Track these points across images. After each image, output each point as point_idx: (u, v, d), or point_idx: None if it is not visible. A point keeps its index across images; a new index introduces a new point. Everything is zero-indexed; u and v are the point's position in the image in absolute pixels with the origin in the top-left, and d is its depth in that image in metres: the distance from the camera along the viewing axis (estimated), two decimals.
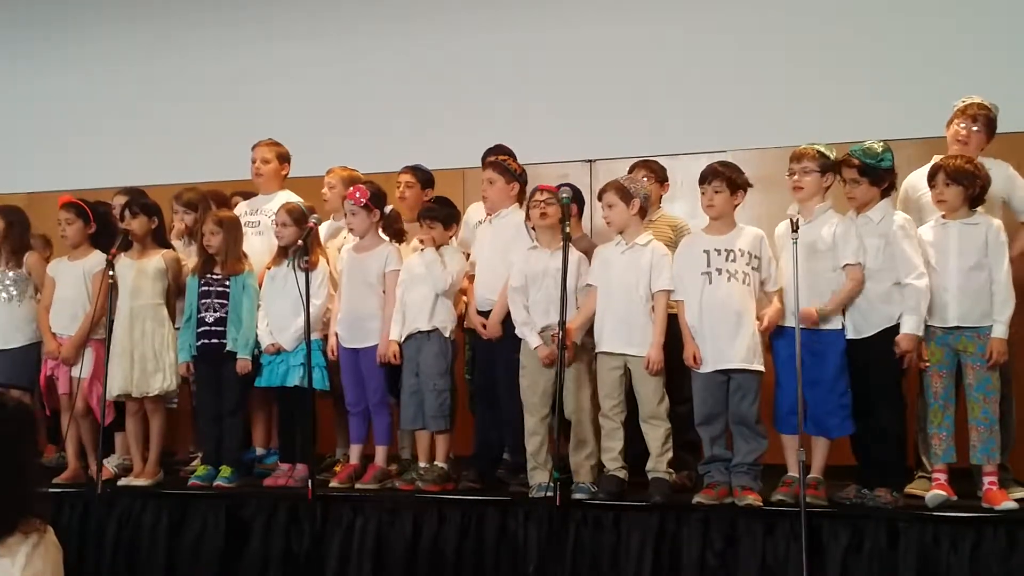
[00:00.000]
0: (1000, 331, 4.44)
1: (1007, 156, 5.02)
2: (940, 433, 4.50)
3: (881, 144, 4.68)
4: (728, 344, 4.61)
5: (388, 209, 5.42)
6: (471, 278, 5.31)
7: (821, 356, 4.55)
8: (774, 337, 4.72)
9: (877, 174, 4.63)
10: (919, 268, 4.51)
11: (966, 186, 4.52)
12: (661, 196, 5.51)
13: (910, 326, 4.49)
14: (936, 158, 4.94)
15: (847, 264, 4.61)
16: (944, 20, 6.28)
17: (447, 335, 5.18)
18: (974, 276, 4.49)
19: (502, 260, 5.13)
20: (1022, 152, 5.29)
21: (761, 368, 4.60)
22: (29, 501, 2.75)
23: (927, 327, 4.52)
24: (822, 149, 4.71)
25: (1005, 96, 5.16)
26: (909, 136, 5.10)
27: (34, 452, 2.97)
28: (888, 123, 5.09)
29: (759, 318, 4.63)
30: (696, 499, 4.59)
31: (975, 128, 4.89)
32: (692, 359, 4.66)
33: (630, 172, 5.33)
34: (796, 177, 4.69)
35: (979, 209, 4.59)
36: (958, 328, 4.49)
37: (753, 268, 4.64)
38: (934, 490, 4.41)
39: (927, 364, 4.55)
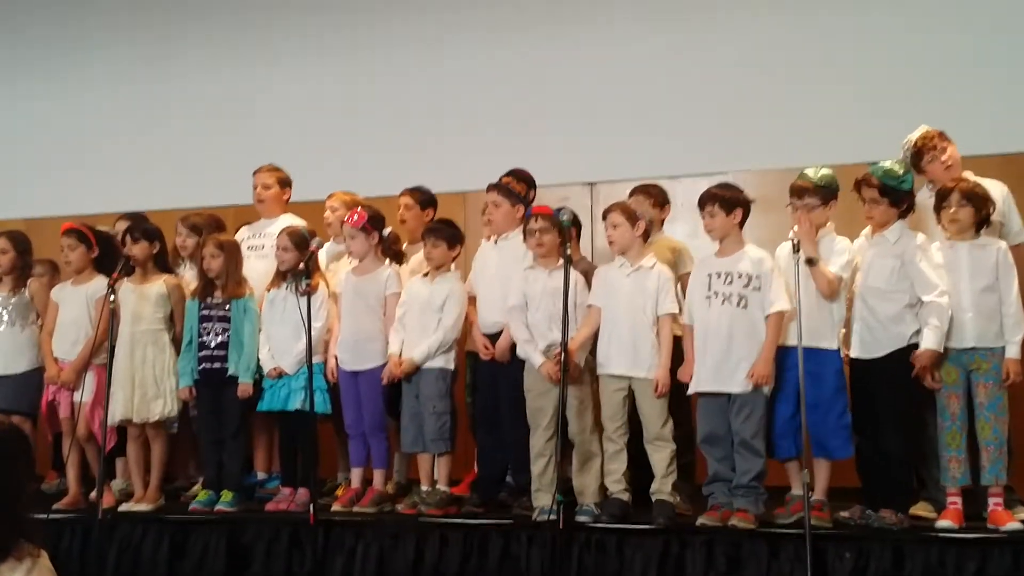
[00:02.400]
0: (1015, 352, 4.45)
1: (1003, 177, 5.02)
2: (958, 456, 4.46)
3: (903, 165, 4.68)
4: (722, 366, 4.61)
5: (387, 232, 5.42)
6: (472, 300, 5.31)
7: (817, 377, 4.53)
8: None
9: (897, 196, 4.63)
10: (940, 287, 4.50)
11: (978, 208, 4.54)
12: (663, 220, 5.52)
13: (931, 341, 4.46)
14: (928, 186, 4.96)
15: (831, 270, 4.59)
16: (943, 39, 6.30)
17: (450, 367, 5.19)
18: (986, 297, 4.50)
19: (507, 283, 5.12)
20: (1017, 174, 5.31)
21: (743, 390, 4.56)
22: (22, 526, 2.73)
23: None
24: (823, 176, 4.69)
25: (1001, 115, 5.19)
26: None
27: (27, 476, 2.95)
28: (889, 143, 5.09)
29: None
30: (700, 521, 4.58)
31: (947, 147, 4.89)
32: (686, 375, 4.69)
33: (630, 198, 5.32)
34: (799, 214, 4.67)
35: (982, 232, 4.61)
36: (973, 349, 4.48)
37: (754, 289, 4.62)
38: (947, 520, 4.39)
39: (940, 385, 4.53)
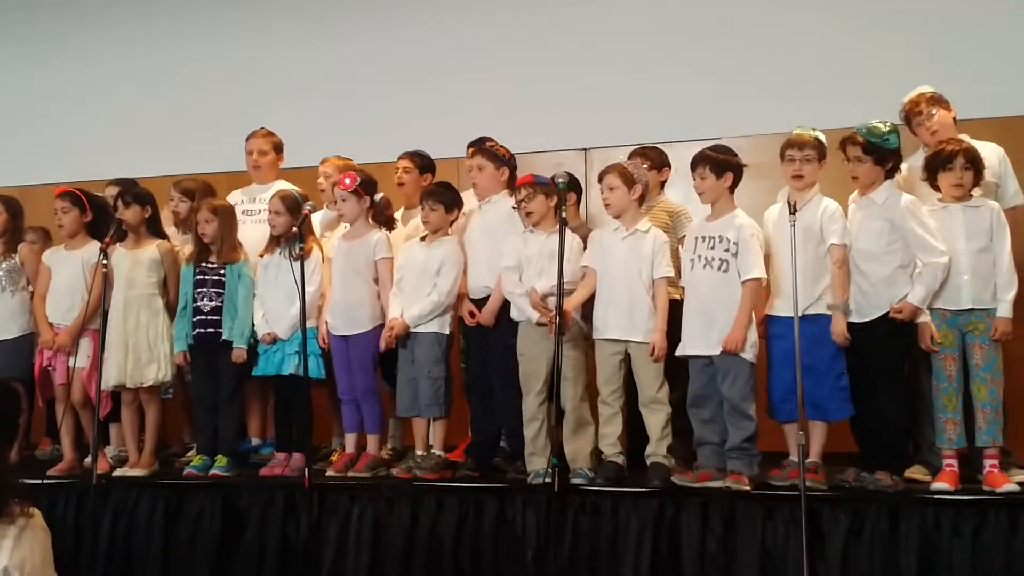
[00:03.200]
0: (1005, 310, 4.44)
1: (1000, 141, 5.00)
2: (954, 418, 4.46)
3: (888, 124, 4.65)
4: (703, 330, 4.62)
5: (379, 197, 5.39)
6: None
7: (816, 341, 4.52)
8: (767, 325, 4.71)
9: (882, 153, 4.60)
10: (938, 247, 4.49)
11: (979, 170, 4.53)
12: (661, 183, 5.50)
13: (917, 297, 4.47)
14: (923, 149, 4.95)
15: (832, 244, 4.59)
16: (935, 5, 6.28)
17: (445, 331, 5.17)
18: (982, 258, 4.48)
19: (494, 247, 5.11)
20: (1014, 136, 5.30)
21: (725, 351, 4.55)
22: (7, 487, 2.72)
23: (939, 310, 4.50)
24: (818, 135, 4.70)
25: (997, 79, 5.15)
26: (900, 121, 5.11)
27: (9, 437, 2.93)
28: (883, 108, 5.07)
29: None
30: (673, 478, 4.61)
31: (931, 115, 4.90)
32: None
33: (628, 160, 5.29)
34: (797, 165, 4.66)
35: (975, 192, 4.60)
36: (970, 310, 4.47)
37: (734, 255, 4.61)
38: (942, 482, 4.39)
39: (938, 348, 4.51)
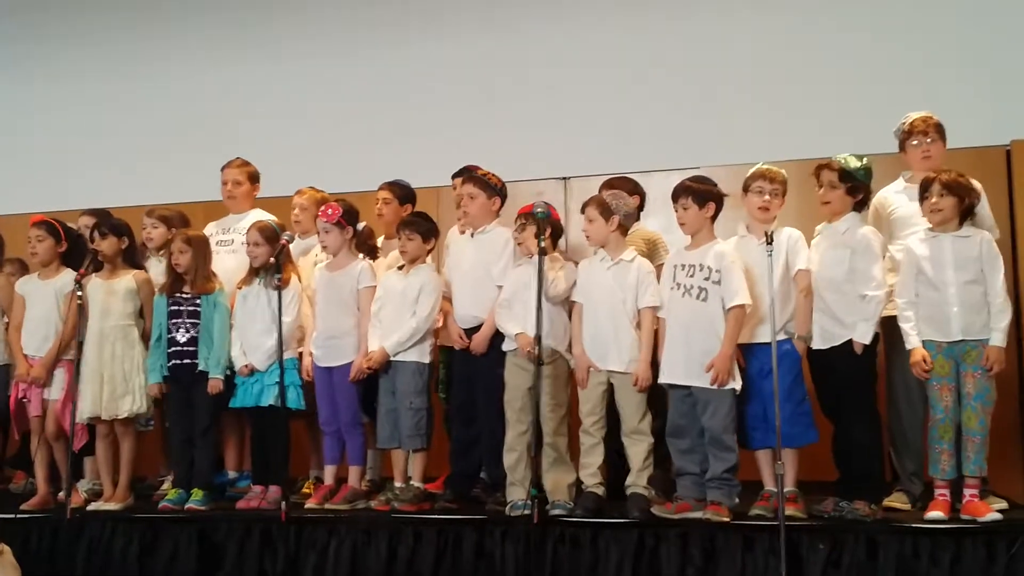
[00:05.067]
0: (998, 339, 4.44)
1: (975, 170, 5.02)
2: (949, 448, 4.45)
3: (864, 159, 4.71)
4: (682, 359, 4.62)
5: (361, 226, 5.38)
6: (446, 294, 5.27)
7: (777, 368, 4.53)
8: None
9: (855, 184, 4.65)
10: (878, 280, 4.54)
11: (961, 198, 4.53)
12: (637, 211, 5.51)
13: (859, 332, 4.52)
14: (906, 174, 5.00)
15: (799, 270, 4.63)
16: (912, 37, 6.39)
17: (425, 360, 5.15)
18: (971, 289, 4.47)
19: (487, 275, 5.11)
20: (984, 166, 5.38)
21: (707, 385, 4.54)
22: None
23: (933, 341, 4.50)
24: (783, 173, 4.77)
25: (973, 109, 5.21)
26: (880, 152, 5.15)
27: None
28: (857, 139, 5.12)
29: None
30: (653, 510, 4.60)
31: (929, 141, 4.94)
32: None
33: (602, 191, 5.29)
34: (767, 198, 4.71)
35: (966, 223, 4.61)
36: (962, 341, 4.46)
37: (714, 283, 4.61)
38: (936, 511, 4.39)
39: (927, 376, 4.51)
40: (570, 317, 4.95)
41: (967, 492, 4.41)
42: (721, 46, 6.69)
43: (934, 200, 4.54)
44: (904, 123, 5.03)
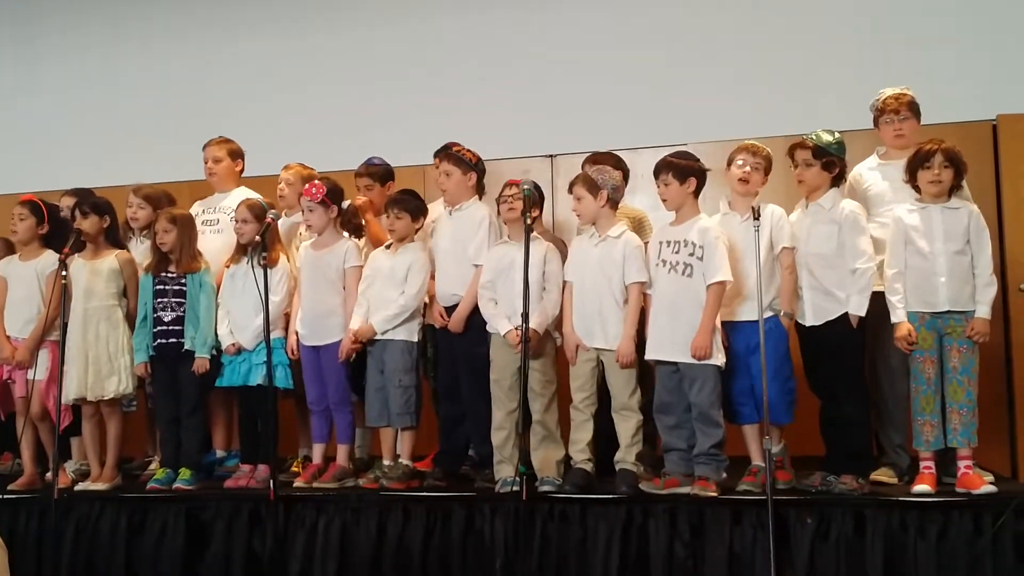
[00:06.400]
0: (984, 311, 4.46)
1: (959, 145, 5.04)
2: (932, 420, 4.47)
3: (836, 133, 4.72)
4: (669, 335, 4.62)
5: (346, 204, 5.35)
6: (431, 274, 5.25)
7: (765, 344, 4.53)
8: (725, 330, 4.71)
9: (829, 160, 4.66)
10: (868, 253, 4.55)
11: (958, 170, 4.54)
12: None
13: (853, 305, 4.53)
14: (880, 150, 5.00)
15: (784, 247, 4.64)
16: (898, 11, 6.38)
17: (414, 339, 5.13)
18: (959, 260, 4.49)
19: (464, 253, 5.10)
20: (970, 141, 5.34)
21: (692, 360, 4.55)
22: None
23: (917, 312, 4.51)
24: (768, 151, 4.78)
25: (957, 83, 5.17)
26: (858, 128, 5.16)
27: None
28: (836, 115, 5.12)
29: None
30: (640, 486, 4.62)
31: (901, 119, 4.94)
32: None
33: (585, 167, 5.27)
34: (748, 170, 4.71)
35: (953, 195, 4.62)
36: (948, 312, 4.48)
37: (698, 259, 4.61)
38: (923, 484, 4.41)
39: (911, 349, 4.52)
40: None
41: (960, 464, 4.43)
42: (707, 23, 6.67)
43: (936, 171, 4.53)
44: (877, 100, 5.03)
